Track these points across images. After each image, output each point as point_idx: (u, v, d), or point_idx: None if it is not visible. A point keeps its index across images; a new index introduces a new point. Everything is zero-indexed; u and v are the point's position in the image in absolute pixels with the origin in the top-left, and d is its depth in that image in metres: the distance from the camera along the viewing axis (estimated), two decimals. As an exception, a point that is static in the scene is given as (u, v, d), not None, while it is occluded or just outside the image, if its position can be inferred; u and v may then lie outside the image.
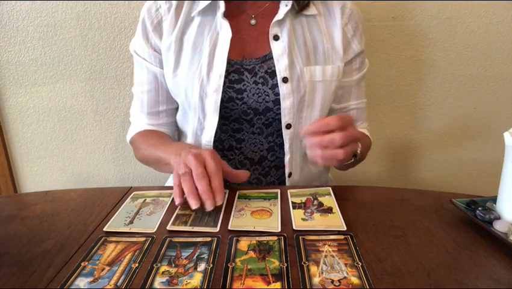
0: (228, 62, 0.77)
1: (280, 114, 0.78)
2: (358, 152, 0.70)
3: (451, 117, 1.22)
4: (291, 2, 0.77)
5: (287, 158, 0.81)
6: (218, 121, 0.78)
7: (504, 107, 1.19)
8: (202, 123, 0.81)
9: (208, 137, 0.80)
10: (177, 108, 0.88)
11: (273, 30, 0.78)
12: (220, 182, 0.61)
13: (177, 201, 0.62)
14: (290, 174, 0.83)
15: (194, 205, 0.59)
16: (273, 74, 0.77)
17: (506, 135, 0.56)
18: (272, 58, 0.77)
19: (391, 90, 1.20)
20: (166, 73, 0.81)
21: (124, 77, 1.19)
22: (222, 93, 0.76)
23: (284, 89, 0.77)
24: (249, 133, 0.83)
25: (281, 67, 0.77)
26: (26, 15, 1.13)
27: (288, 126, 0.79)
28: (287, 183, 0.83)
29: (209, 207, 0.59)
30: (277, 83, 0.77)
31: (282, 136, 0.80)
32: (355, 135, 0.64)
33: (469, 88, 1.19)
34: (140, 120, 0.88)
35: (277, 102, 0.78)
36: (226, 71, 0.76)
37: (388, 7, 1.12)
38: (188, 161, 0.62)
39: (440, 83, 1.19)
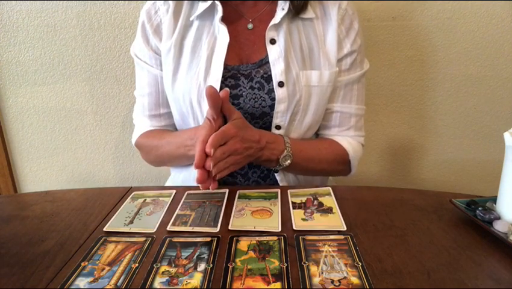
0: (225, 68, 0.77)
1: None
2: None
3: (451, 117, 1.22)
4: (287, 5, 0.76)
5: None
6: None
7: (504, 107, 1.19)
8: None
9: None
10: None
11: (269, 34, 0.77)
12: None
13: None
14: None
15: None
16: (269, 78, 0.77)
17: (506, 135, 0.56)
18: (268, 62, 0.77)
19: (391, 90, 1.20)
20: (165, 77, 0.81)
21: (124, 77, 1.19)
22: None
23: (279, 93, 0.76)
24: None
25: (277, 71, 0.76)
26: (26, 15, 1.13)
27: (278, 128, 0.79)
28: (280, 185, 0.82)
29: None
30: (273, 88, 0.77)
31: None
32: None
33: (469, 88, 1.18)
34: (143, 123, 0.88)
35: (273, 107, 0.77)
36: (223, 76, 0.76)
37: (388, 7, 1.12)
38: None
39: (440, 83, 1.19)
